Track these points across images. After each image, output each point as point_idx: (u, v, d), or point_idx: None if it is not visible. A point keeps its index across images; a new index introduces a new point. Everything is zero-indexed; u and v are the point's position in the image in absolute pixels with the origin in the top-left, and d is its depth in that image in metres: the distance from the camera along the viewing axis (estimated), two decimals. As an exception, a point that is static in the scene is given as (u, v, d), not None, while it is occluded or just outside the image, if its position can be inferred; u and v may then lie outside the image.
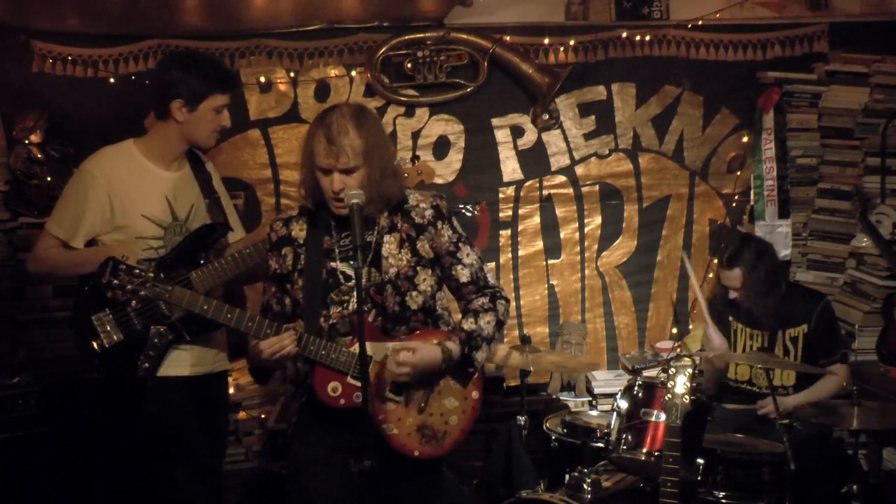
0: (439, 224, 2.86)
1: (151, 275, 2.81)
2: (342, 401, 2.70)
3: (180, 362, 3.31)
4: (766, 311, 4.00)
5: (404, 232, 2.83)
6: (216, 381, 3.49)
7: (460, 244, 2.88)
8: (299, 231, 2.85)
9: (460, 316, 2.92)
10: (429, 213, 2.86)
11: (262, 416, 4.54)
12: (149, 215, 3.30)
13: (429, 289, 2.83)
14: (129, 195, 3.29)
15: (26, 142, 4.29)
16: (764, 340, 4.07)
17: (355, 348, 2.70)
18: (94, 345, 3.22)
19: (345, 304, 2.77)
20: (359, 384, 2.67)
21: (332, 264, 2.78)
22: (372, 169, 2.73)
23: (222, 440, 3.71)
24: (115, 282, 2.79)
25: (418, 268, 2.81)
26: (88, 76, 4.46)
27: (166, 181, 3.37)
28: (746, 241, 4.11)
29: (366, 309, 2.76)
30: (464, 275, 2.87)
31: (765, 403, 3.88)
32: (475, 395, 2.88)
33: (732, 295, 4.03)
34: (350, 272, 2.76)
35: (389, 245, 2.81)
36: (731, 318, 4.19)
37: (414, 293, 2.80)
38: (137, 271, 2.80)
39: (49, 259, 3.33)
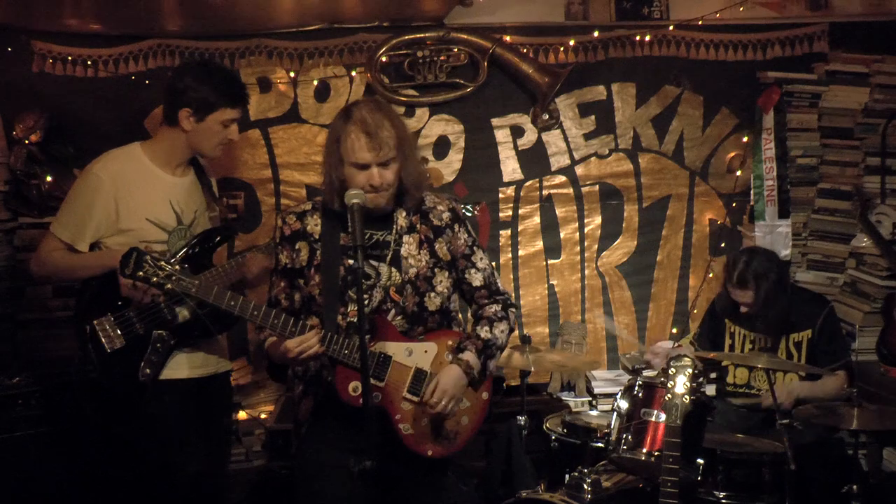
0: (456, 227, 2.89)
1: (178, 267, 2.75)
2: (363, 400, 2.70)
3: (184, 365, 3.31)
4: (776, 316, 4.00)
5: (423, 233, 2.85)
6: (219, 382, 3.50)
7: (475, 248, 2.92)
8: (314, 226, 2.85)
9: (470, 318, 2.95)
10: (446, 215, 2.89)
11: (262, 416, 4.54)
12: (153, 219, 3.30)
13: (446, 290, 2.85)
14: (135, 199, 3.29)
15: (26, 142, 4.28)
16: (766, 343, 4.06)
17: (377, 347, 2.74)
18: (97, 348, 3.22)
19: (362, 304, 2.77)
20: (380, 384, 2.73)
21: (350, 262, 2.77)
22: (406, 160, 2.76)
23: (226, 441, 3.71)
24: (140, 273, 2.73)
25: (436, 269, 2.84)
26: (88, 76, 4.46)
27: (172, 186, 3.37)
28: (751, 256, 4.05)
29: (386, 308, 2.78)
30: (477, 279, 2.91)
31: (767, 396, 3.86)
32: (485, 395, 2.92)
33: (744, 309, 4.03)
34: (369, 271, 2.77)
35: (409, 246, 2.82)
36: (727, 321, 4.18)
37: (432, 294, 2.82)
38: (163, 263, 2.74)
39: (53, 261, 3.32)
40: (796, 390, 3.90)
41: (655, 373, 3.90)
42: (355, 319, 2.75)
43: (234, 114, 3.35)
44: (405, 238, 2.83)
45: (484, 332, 2.86)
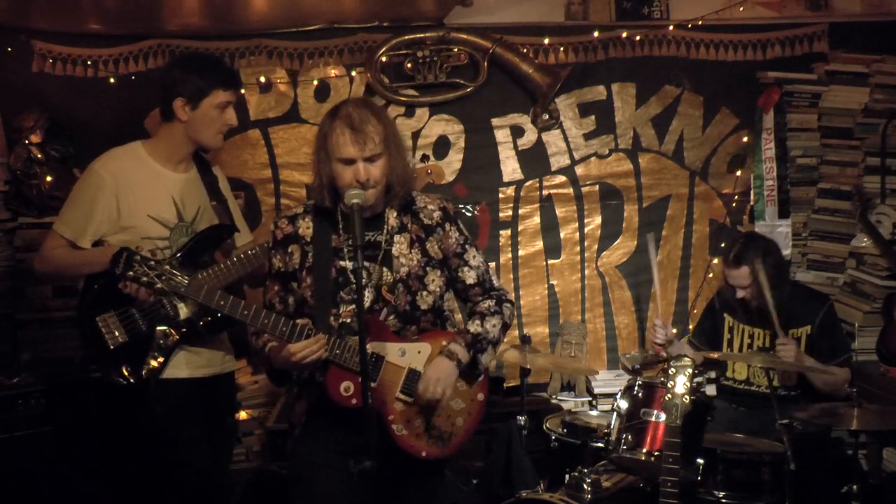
0: (447, 226, 2.88)
1: (167, 266, 2.77)
2: (354, 400, 2.70)
3: (190, 364, 3.31)
4: (770, 300, 3.99)
5: (414, 232, 2.85)
6: (224, 381, 3.50)
7: (467, 246, 2.91)
8: (306, 229, 2.85)
9: (466, 317, 2.94)
10: (437, 214, 2.88)
11: (262, 415, 4.54)
12: (155, 216, 3.30)
13: (438, 289, 2.85)
14: (137, 196, 3.30)
15: (26, 142, 4.29)
16: (765, 339, 4.07)
17: (370, 348, 2.72)
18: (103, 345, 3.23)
19: (362, 305, 2.74)
20: (373, 384, 2.72)
21: (342, 263, 2.78)
22: (393, 156, 2.77)
23: (229, 441, 3.72)
24: (130, 273, 2.75)
25: (428, 268, 2.83)
26: (88, 76, 4.46)
27: (173, 182, 3.38)
28: (750, 238, 4.09)
29: (378, 308, 2.78)
30: (470, 277, 2.90)
31: (783, 342, 3.82)
32: (480, 396, 2.91)
33: (740, 294, 4.02)
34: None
35: (400, 245, 2.82)
36: (726, 316, 4.19)
37: (424, 293, 2.82)
38: (153, 262, 2.76)
39: (56, 259, 3.33)
40: (804, 358, 3.87)
41: (662, 342, 3.99)
42: (347, 320, 2.76)
43: (227, 96, 3.35)
44: (396, 238, 2.83)
45: (474, 326, 2.86)
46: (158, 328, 3.24)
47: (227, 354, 3.49)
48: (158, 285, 2.76)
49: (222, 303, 2.78)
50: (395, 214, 2.85)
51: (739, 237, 4.15)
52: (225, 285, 3.30)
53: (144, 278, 2.75)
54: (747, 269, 3.94)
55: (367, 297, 2.77)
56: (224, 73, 3.42)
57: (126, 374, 3.23)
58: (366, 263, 2.77)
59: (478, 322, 2.87)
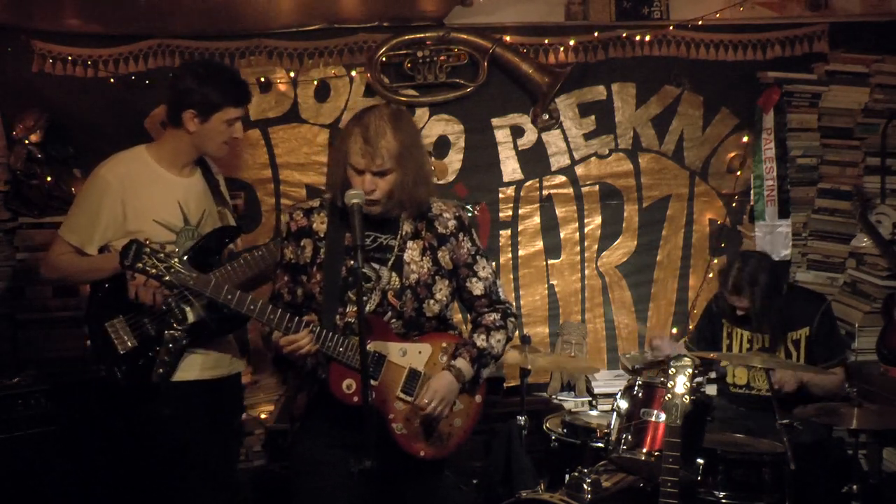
0: (461, 236, 2.88)
1: (176, 260, 2.76)
2: (356, 398, 2.71)
3: (198, 366, 3.31)
4: (773, 317, 4.00)
5: (427, 240, 2.85)
6: (231, 383, 3.50)
7: (478, 257, 2.91)
8: (320, 224, 2.85)
9: (469, 324, 2.95)
10: (452, 223, 2.88)
11: (262, 416, 4.54)
12: (161, 220, 3.31)
13: (444, 299, 2.86)
14: (142, 200, 3.30)
15: (26, 142, 4.28)
16: (764, 343, 4.07)
17: (372, 347, 2.74)
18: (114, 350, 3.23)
19: (362, 304, 2.74)
20: (374, 383, 2.74)
21: (353, 263, 2.77)
22: (405, 173, 2.74)
23: (236, 442, 3.72)
24: (139, 265, 2.74)
25: (437, 277, 2.84)
26: (88, 76, 4.45)
27: (178, 186, 3.38)
28: (744, 262, 4.06)
29: (381, 311, 2.79)
30: (478, 288, 2.91)
31: (778, 378, 3.85)
32: (479, 398, 2.92)
33: (740, 312, 4.04)
34: (369, 273, 2.78)
35: (412, 252, 2.82)
36: (724, 322, 4.19)
37: (431, 301, 2.82)
38: (162, 255, 2.74)
39: (62, 265, 3.34)
40: (800, 374, 3.89)
41: (662, 357, 3.93)
42: (351, 320, 2.76)
43: (237, 112, 3.37)
44: (409, 244, 2.83)
45: (480, 340, 2.87)
46: (167, 332, 3.24)
47: (234, 356, 3.49)
48: (167, 277, 2.75)
49: (230, 297, 2.77)
50: (410, 220, 2.85)
51: (734, 261, 4.12)
52: (232, 286, 3.30)
53: (153, 270, 2.74)
54: (747, 298, 3.96)
55: (373, 299, 2.78)
56: (239, 89, 3.41)
57: (136, 378, 3.23)
58: (375, 266, 2.79)
59: (483, 336, 2.88)
